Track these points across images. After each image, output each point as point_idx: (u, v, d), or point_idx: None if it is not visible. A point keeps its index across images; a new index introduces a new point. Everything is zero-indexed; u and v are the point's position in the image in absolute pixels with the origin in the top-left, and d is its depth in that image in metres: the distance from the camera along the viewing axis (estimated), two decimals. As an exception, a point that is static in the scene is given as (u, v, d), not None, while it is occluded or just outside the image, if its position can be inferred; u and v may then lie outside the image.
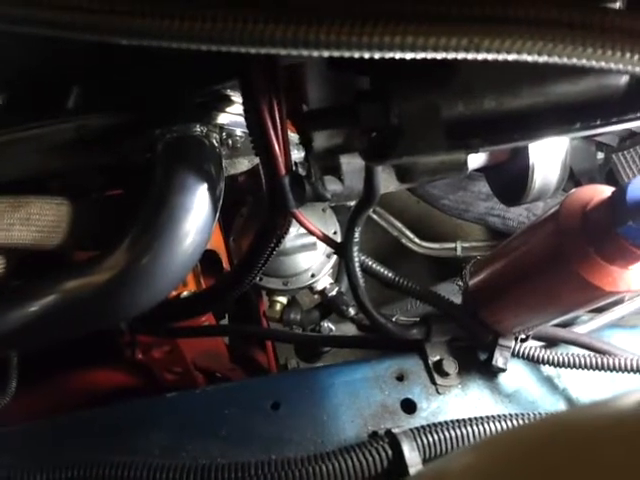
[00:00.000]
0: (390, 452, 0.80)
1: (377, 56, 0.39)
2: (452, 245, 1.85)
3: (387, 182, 1.04)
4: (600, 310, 1.02)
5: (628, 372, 0.90)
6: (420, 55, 0.39)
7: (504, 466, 0.30)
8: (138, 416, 0.89)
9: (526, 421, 0.85)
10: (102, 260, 0.80)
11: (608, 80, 0.61)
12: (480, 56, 0.39)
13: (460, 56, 0.39)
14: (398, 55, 0.39)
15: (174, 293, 1.14)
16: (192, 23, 0.38)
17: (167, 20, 0.38)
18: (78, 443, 0.85)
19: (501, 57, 0.40)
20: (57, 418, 0.90)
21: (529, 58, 0.40)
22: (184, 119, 0.85)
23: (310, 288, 1.35)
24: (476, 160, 1.06)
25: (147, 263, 0.79)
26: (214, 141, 0.87)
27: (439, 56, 0.39)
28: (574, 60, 0.40)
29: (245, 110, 0.74)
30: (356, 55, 0.39)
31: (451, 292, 1.50)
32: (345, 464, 0.78)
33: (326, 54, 0.39)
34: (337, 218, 1.37)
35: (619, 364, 0.90)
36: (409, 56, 0.39)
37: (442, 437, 0.82)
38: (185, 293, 1.16)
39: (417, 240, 1.87)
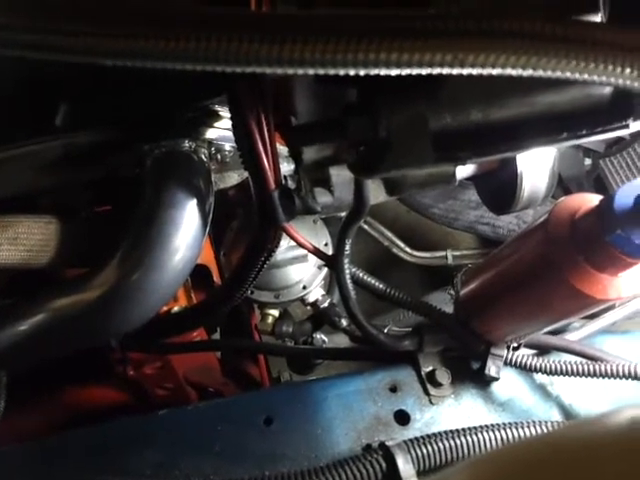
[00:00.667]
0: (384, 465, 0.79)
1: (362, 73, 0.39)
2: (443, 254, 1.85)
3: (377, 193, 1.04)
4: (592, 317, 1.03)
5: (620, 378, 0.90)
6: (405, 71, 0.39)
7: None
8: (129, 434, 0.88)
9: (520, 430, 0.84)
10: (92, 277, 0.80)
11: (594, 90, 0.61)
12: (465, 71, 0.40)
13: (445, 71, 0.39)
14: (383, 72, 0.39)
15: (165, 308, 1.13)
16: (176, 43, 0.38)
17: (152, 40, 0.38)
18: (68, 464, 0.84)
19: (486, 72, 0.40)
20: (46, 439, 0.89)
21: (514, 72, 0.40)
22: (173, 134, 0.85)
23: (302, 300, 1.35)
24: (464, 169, 1.07)
25: (137, 279, 0.78)
26: (203, 156, 0.87)
27: (424, 72, 0.39)
28: (558, 73, 0.40)
29: (233, 125, 0.74)
30: (341, 72, 0.39)
31: (443, 301, 1.51)
32: (339, 478, 0.77)
33: (311, 72, 0.39)
34: (328, 229, 1.37)
35: (611, 370, 0.91)
36: (394, 72, 0.39)
37: (436, 448, 0.82)
38: (176, 308, 1.16)
39: (408, 249, 1.87)
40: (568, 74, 0.40)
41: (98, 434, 0.89)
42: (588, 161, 1.59)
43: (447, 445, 0.82)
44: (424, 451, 0.81)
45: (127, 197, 0.86)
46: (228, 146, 0.89)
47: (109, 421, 0.92)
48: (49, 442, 0.89)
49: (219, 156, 0.90)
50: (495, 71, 0.40)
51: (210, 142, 0.88)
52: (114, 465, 0.84)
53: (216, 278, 1.34)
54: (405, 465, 0.79)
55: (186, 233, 0.80)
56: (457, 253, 1.85)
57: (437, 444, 0.82)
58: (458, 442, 0.83)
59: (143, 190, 0.82)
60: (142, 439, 0.87)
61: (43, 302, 0.80)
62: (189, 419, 0.91)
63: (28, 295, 0.82)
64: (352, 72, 0.39)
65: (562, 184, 1.51)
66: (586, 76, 0.40)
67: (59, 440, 0.90)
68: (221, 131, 0.88)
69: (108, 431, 0.89)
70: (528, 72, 0.40)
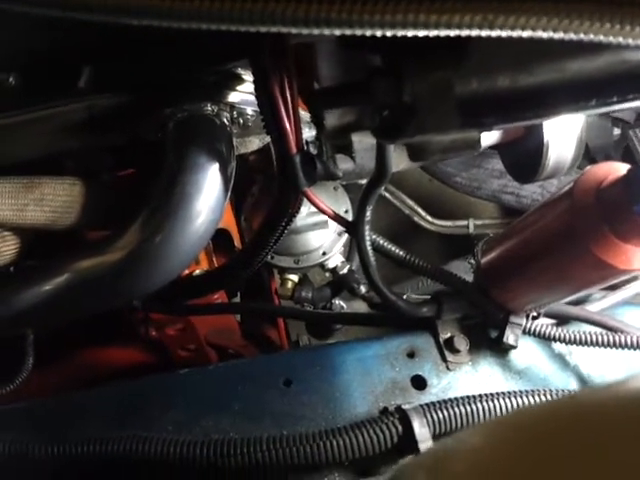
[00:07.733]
0: (400, 428, 0.80)
1: (389, 34, 0.38)
2: (464, 223, 1.85)
3: (398, 160, 1.03)
4: (613, 288, 1.02)
5: (640, 350, 0.90)
6: (433, 33, 0.38)
7: (512, 448, 0.30)
8: (151, 393, 0.90)
9: (536, 397, 0.85)
10: (115, 239, 0.81)
11: (625, 56, 0.59)
12: (494, 33, 0.39)
13: (474, 33, 0.39)
14: (411, 33, 0.38)
15: (187, 271, 1.15)
16: (201, 2, 0.38)
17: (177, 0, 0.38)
18: (91, 419, 0.87)
19: (516, 34, 0.39)
20: (70, 395, 0.92)
21: (544, 35, 0.39)
22: (195, 98, 0.84)
23: (321, 266, 1.36)
24: (489, 137, 1.05)
25: (159, 242, 0.79)
26: (225, 120, 0.87)
27: (452, 33, 0.38)
28: (591, 36, 0.39)
29: (256, 88, 0.73)
30: (368, 33, 0.38)
31: (463, 270, 1.50)
32: (356, 439, 0.79)
33: (337, 33, 0.39)
34: (349, 196, 1.36)
35: (631, 342, 0.90)
36: (422, 34, 0.38)
37: (452, 413, 0.83)
38: (198, 271, 1.17)
39: (429, 218, 1.87)
40: (601, 37, 0.39)
41: (121, 391, 0.92)
42: (617, 131, 1.55)
43: (463, 410, 0.83)
44: (440, 416, 0.82)
45: (150, 161, 0.87)
46: (250, 110, 0.89)
47: (132, 379, 0.94)
48: (73, 398, 0.92)
49: (241, 120, 0.89)
50: (525, 33, 0.39)
51: (232, 106, 0.88)
52: (137, 421, 0.86)
53: (237, 243, 1.35)
54: (421, 429, 0.80)
55: (208, 196, 0.80)
56: (479, 222, 1.84)
57: (453, 409, 0.83)
58: (474, 408, 0.83)
59: (165, 154, 0.82)
60: (164, 397, 0.89)
61: (67, 263, 0.81)
62: (210, 378, 0.92)
63: (52, 256, 0.83)
64: (379, 33, 0.38)
65: (589, 154, 1.49)
66: (621, 39, 0.39)
67: (83, 396, 0.92)
68: (243, 95, 0.87)
69: (131, 389, 0.92)
70: (559, 35, 0.39)
